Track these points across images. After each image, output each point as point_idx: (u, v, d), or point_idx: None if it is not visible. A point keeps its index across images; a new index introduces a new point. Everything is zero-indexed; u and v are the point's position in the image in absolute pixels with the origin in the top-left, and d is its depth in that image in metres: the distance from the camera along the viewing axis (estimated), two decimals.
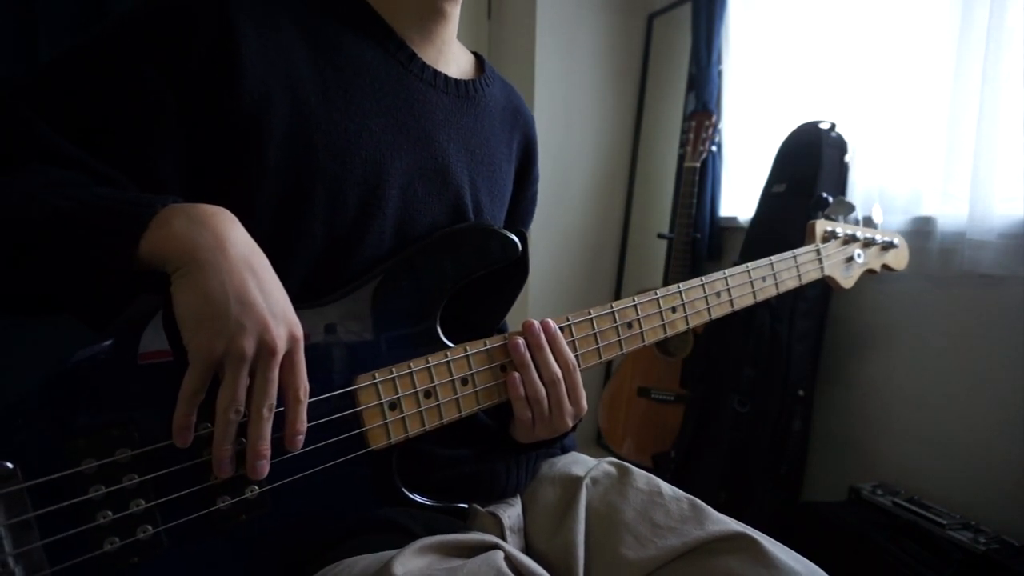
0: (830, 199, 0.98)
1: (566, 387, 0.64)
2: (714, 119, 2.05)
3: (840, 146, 1.68)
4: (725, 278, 0.78)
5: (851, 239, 0.95)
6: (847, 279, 0.94)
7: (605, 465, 0.72)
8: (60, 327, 0.50)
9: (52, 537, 0.45)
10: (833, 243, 0.92)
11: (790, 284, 0.85)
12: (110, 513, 0.47)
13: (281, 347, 0.48)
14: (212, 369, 0.46)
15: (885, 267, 1.01)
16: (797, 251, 0.87)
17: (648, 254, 2.46)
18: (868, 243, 0.97)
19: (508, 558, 0.51)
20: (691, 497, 0.66)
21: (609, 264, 2.50)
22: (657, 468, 1.91)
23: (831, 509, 1.44)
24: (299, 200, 0.58)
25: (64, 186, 0.48)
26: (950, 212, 1.45)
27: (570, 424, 0.67)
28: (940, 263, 1.45)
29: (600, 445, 2.32)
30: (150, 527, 0.48)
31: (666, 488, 0.68)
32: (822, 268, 0.90)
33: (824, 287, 0.92)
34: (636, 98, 2.46)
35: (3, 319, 0.49)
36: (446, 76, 0.69)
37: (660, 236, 2.22)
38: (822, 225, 0.92)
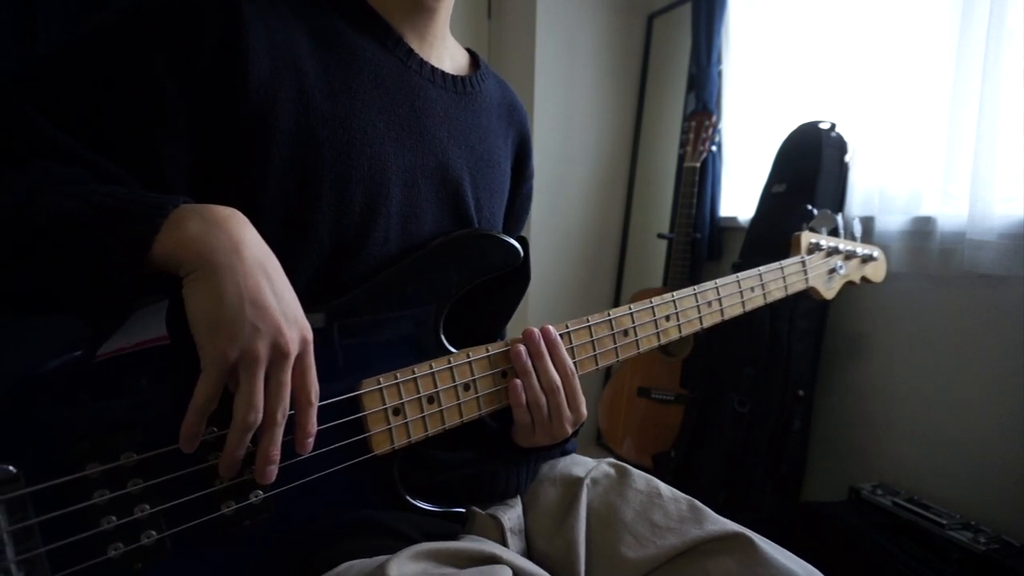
0: (815, 211, 1.01)
1: (565, 394, 0.65)
2: (714, 119, 2.05)
3: (840, 146, 1.68)
4: (716, 288, 0.80)
5: (833, 251, 0.98)
6: (829, 290, 0.98)
7: (604, 466, 0.73)
8: (64, 328, 0.48)
9: (55, 543, 0.44)
10: (817, 255, 0.95)
11: (777, 295, 0.88)
12: (114, 518, 0.46)
13: (294, 350, 0.47)
14: (226, 375, 0.45)
15: (864, 279, 1.04)
16: (784, 262, 0.90)
17: (648, 254, 2.46)
18: (849, 255, 1.00)
19: (516, 574, 0.50)
20: (689, 498, 0.67)
21: (609, 264, 2.50)
22: (657, 468, 1.91)
23: (831, 509, 1.45)
24: (305, 199, 0.57)
25: (67, 184, 0.46)
26: (950, 212, 1.46)
27: (569, 430, 0.67)
28: (940, 263, 1.45)
29: (600, 445, 2.33)
30: (154, 532, 0.48)
31: (665, 489, 0.68)
32: (807, 279, 0.93)
33: None
34: (636, 98, 2.46)
35: (6, 319, 0.48)
36: (443, 72, 0.69)
37: (660, 236, 2.22)
38: (807, 237, 0.95)
